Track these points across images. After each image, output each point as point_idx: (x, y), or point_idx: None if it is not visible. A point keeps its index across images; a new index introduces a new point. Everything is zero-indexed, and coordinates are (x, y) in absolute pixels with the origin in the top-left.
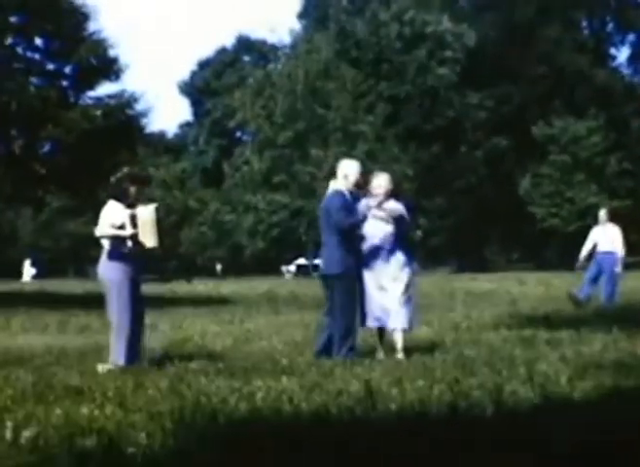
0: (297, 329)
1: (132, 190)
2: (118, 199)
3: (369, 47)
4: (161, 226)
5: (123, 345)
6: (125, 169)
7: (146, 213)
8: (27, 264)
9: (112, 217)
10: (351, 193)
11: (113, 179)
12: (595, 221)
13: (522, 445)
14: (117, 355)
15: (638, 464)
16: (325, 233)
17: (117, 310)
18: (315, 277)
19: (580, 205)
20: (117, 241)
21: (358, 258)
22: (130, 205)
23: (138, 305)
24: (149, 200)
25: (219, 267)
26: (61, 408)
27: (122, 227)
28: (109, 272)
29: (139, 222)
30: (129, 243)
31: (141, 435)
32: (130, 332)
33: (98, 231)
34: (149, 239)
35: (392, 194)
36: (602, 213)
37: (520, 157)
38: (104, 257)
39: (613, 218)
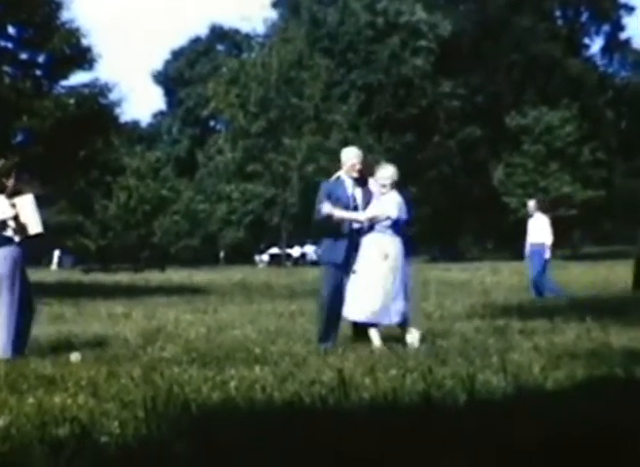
0: (270, 318)
1: (10, 182)
2: None
3: (340, 36)
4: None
5: (10, 336)
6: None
7: (24, 201)
8: (57, 254)
9: None
10: (357, 180)
11: None
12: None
13: (494, 434)
14: (4, 346)
15: (611, 453)
16: None
17: (8, 302)
18: (289, 266)
19: (553, 195)
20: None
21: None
22: (11, 197)
23: (27, 294)
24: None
25: (222, 254)
26: (34, 397)
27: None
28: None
29: (19, 210)
30: (12, 230)
31: (114, 424)
32: (19, 322)
33: None
34: (31, 226)
35: (396, 186)
36: (531, 204)
37: (494, 146)
38: None
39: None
